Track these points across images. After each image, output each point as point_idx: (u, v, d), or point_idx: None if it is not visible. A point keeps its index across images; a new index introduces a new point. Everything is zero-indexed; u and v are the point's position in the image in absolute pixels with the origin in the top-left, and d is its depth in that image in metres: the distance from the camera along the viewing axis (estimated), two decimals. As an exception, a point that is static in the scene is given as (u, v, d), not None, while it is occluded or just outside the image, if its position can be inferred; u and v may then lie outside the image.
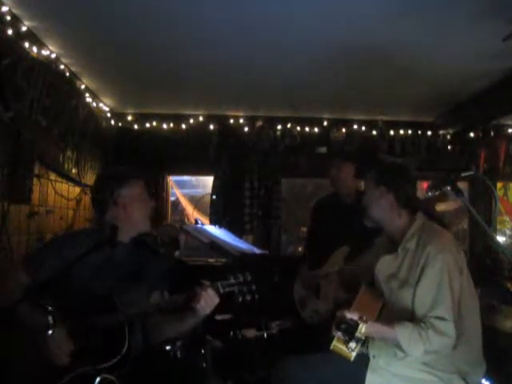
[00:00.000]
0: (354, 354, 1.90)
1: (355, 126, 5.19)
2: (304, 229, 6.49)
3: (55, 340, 1.81)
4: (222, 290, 1.96)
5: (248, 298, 1.96)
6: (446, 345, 1.88)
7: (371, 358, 2.06)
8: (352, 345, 1.76)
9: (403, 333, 1.86)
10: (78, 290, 1.93)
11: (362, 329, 1.77)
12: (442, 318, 1.88)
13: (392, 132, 5.24)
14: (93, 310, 1.88)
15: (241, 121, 5.15)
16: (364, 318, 1.81)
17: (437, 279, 1.92)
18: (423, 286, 1.94)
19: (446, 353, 1.94)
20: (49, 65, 3.37)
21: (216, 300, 1.94)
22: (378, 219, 2.18)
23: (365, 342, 2.02)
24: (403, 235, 2.10)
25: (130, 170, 2.30)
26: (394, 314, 2.01)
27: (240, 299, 1.95)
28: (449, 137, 5.27)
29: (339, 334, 1.81)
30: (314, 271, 3.08)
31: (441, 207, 5.52)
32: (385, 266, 2.12)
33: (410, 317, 1.96)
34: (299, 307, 3.13)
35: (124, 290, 2.01)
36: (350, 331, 1.77)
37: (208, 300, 1.92)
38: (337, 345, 1.91)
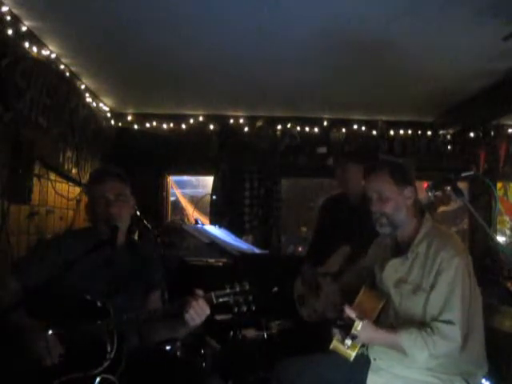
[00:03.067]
0: (353, 354, 1.90)
1: (355, 126, 5.19)
2: (304, 229, 6.50)
3: (46, 342, 1.79)
4: (215, 300, 1.91)
5: (244, 308, 1.90)
6: (451, 350, 1.87)
7: (372, 360, 2.06)
8: (348, 342, 1.76)
9: (407, 339, 1.85)
10: (72, 291, 1.92)
11: (358, 326, 1.76)
12: (449, 322, 1.86)
13: (392, 132, 5.23)
14: (85, 313, 1.87)
15: (241, 121, 5.15)
16: (361, 316, 1.81)
17: (451, 283, 1.91)
18: (437, 289, 1.92)
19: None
20: (49, 65, 3.37)
21: (207, 311, 1.89)
22: (402, 223, 2.07)
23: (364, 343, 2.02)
24: (412, 238, 2.05)
25: (100, 169, 2.26)
26: (405, 318, 1.99)
27: (235, 310, 1.90)
28: (449, 137, 5.27)
29: (335, 330, 1.81)
30: (315, 269, 3.08)
31: (441, 207, 5.51)
32: (393, 269, 2.08)
33: (420, 321, 1.94)
34: (298, 304, 3.13)
35: (120, 292, 2.01)
36: (345, 328, 1.77)
37: (198, 310, 1.87)
38: (337, 344, 1.92)
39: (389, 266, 2.09)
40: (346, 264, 2.83)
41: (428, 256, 1.99)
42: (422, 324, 1.92)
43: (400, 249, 2.11)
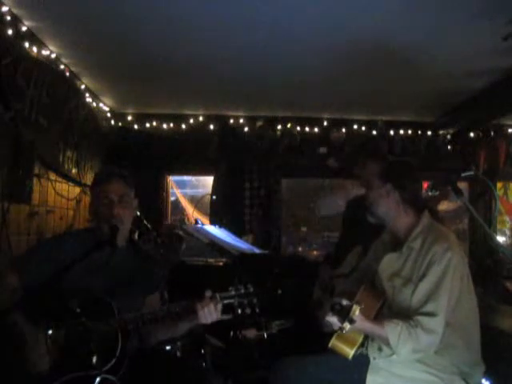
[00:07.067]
0: (351, 353, 1.90)
1: (355, 126, 5.19)
2: (304, 229, 6.51)
3: (46, 343, 1.78)
4: (219, 302, 1.92)
5: (248, 311, 1.91)
6: (432, 342, 1.89)
7: (371, 359, 2.06)
8: (346, 325, 1.76)
9: (393, 330, 1.87)
10: (72, 292, 1.91)
11: (356, 311, 1.77)
12: (431, 314, 1.89)
13: (392, 132, 5.24)
14: (88, 313, 1.86)
15: (241, 121, 5.15)
16: (359, 301, 1.82)
17: (440, 275, 1.93)
18: (425, 280, 1.95)
19: (448, 353, 1.95)
20: (49, 65, 3.37)
21: (218, 310, 1.91)
22: (383, 217, 2.16)
23: (364, 343, 2.02)
24: (409, 234, 2.09)
25: (105, 170, 2.27)
26: (396, 312, 2.01)
27: (239, 312, 1.90)
28: (449, 137, 5.27)
29: (334, 317, 1.80)
30: (330, 271, 3.07)
31: (441, 207, 5.52)
32: (388, 264, 2.11)
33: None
34: (317, 307, 3.11)
35: (120, 293, 2.00)
36: (343, 312, 1.77)
37: (211, 309, 1.91)
38: (335, 343, 1.92)
39: (384, 260, 2.13)
40: (357, 264, 2.82)
41: (421, 251, 2.02)
42: (409, 317, 1.93)
43: (397, 244, 2.14)
